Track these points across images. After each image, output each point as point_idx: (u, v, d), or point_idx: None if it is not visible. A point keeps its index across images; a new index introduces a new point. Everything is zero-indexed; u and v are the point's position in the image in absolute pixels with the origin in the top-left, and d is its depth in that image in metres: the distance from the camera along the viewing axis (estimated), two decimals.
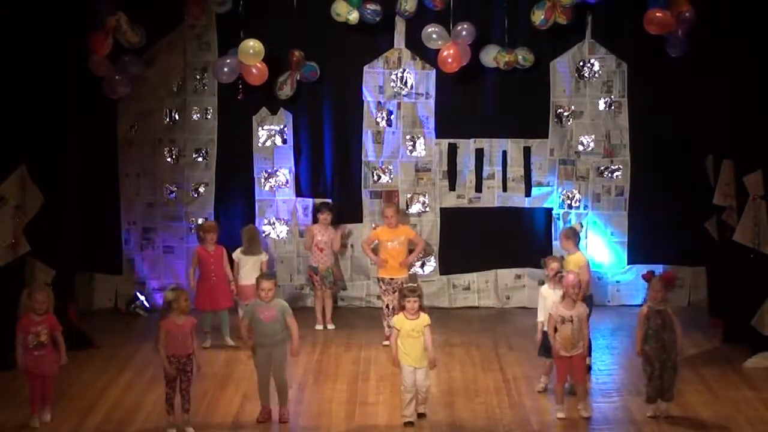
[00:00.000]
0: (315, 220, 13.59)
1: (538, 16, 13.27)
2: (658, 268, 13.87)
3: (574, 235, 11.51)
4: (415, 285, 10.11)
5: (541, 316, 10.37)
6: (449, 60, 13.37)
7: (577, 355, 9.73)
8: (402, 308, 9.70)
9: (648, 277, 9.96)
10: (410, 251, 12.67)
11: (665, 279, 9.83)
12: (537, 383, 10.52)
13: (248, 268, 12.48)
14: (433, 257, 14.20)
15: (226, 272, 12.38)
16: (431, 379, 9.97)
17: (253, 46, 13.11)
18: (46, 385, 9.59)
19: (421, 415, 9.74)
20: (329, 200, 13.92)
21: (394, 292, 11.97)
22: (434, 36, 13.37)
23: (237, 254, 12.63)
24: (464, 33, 13.33)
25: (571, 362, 9.75)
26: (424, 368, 9.70)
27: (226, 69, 13.38)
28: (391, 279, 12.35)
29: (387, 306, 12.31)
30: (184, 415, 9.53)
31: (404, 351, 9.62)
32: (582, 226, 13.65)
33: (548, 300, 10.31)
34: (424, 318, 9.68)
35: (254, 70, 13.26)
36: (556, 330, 9.73)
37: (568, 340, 9.68)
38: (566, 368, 9.81)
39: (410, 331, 9.62)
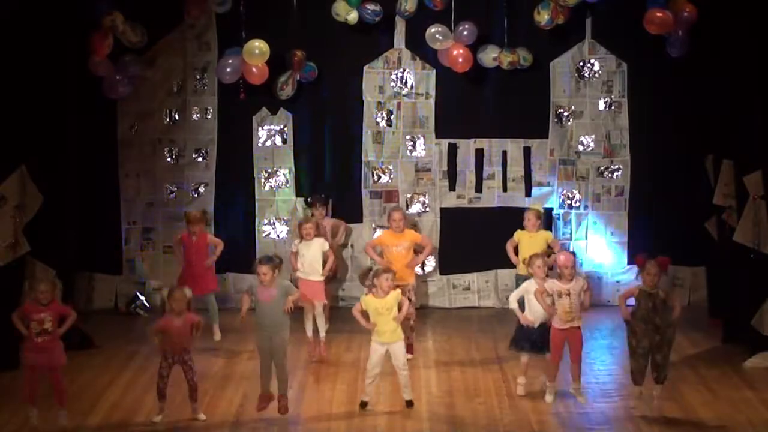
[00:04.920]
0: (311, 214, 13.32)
1: (543, 16, 13.28)
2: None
3: (539, 216, 11.99)
4: (388, 266, 10.08)
5: (515, 303, 10.39)
6: (460, 60, 13.39)
7: (574, 327, 9.82)
8: (371, 287, 9.79)
9: (641, 261, 9.87)
10: (417, 253, 12.30)
11: (660, 262, 9.81)
12: (517, 387, 10.44)
13: (310, 257, 11.82)
14: (433, 257, 14.21)
15: (209, 260, 12.15)
16: (404, 361, 9.91)
17: (258, 46, 13.13)
18: (56, 381, 9.42)
19: (408, 403, 9.81)
20: (322, 194, 13.70)
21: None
22: (438, 36, 13.39)
23: (295, 244, 12.07)
24: (465, 33, 13.35)
25: (568, 335, 9.86)
26: (399, 343, 9.77)
27: (229, 69, 13.40)
28: (396, 286, 11.99)
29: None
30: (192, 404, 9.65)
31: (377, 329, 9.77)
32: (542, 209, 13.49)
33: (533, 297, 10.27)
34: (394, 294, 9.76)
35: (254, 70, 13.27)
36: (553, 303, 9.82)
37: (567, 313, 9.76)
38: (562, 342, 9.88)
39: (378, 309, 9.73)
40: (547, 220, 14.04)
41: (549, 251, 11.64)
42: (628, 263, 14.17)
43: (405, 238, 12.06)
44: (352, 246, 14.12)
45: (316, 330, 11.81)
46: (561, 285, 9.84)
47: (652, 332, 9.62)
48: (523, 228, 12.04)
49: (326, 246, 12.03)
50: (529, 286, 10.40)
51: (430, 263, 14.21)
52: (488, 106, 14.10)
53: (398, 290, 9.86)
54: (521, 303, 10.43)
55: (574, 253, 10.51)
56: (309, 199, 13.52)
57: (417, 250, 12.30)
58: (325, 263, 11.93)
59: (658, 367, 9.70)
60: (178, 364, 9.60)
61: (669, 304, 9.66)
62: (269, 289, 9.64)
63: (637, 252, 13.97)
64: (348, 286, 14.14)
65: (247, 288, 9.94)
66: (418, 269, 13.97)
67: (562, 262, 9.91)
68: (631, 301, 9.84)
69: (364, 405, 9.91)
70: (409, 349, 11.58)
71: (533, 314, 10.30)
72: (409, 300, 11.80)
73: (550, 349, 10.06)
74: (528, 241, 11.83)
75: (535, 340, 10.27)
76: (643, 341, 9.65)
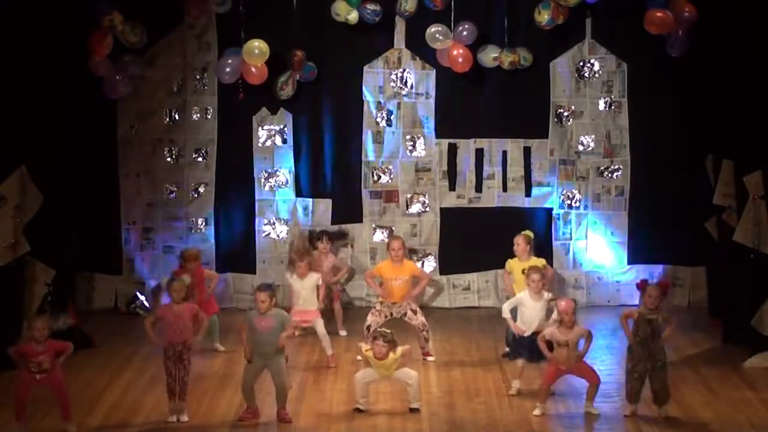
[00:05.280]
0: (314, 248, 13.16)
1: (544, 16, 13.28)
2: (657, 268, 13.95)
3: (529, 242, 11.51)
4: (388, 331, 9.97)
5: (508, 313, 10.41)
6: (459, 60, 13.39)
7: (575, 367, 9.74)
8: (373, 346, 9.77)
9: (642, 285, 9.76)
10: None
11: (662, 286, 9.78)
12: (509, 387, 10.42)
13: (306, 293, 11.63)
14: (433, 257, 14.21)
15: (205, 293, 11.97)
16: (412, 377, 9.86)
17: (258, 46, 13.14)
18: (61, 397, 9.32)
19: (413, 410, 9.77)
20: (327, 229, 13.63)
21: (387, 316, 11.50)
22: (438, 36, 13.39)
23: (288, 278, 11.91)
24: (465, 33, 13.36)
25: (573, 371, 9.78)
26: (400, 370, 9.75)
27: (228, 69, 13.40)
28: (393, 303, 11.62)
29: (368, 327, 11.44)
30: (180, 403, 9.58)
31: (374, 369, 9.79)
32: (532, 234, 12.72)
33: (526, 309, 10.31)
34: (393, 357, 9.71)
35: (254, 70, 13.28)
36: (549, 345, 9.70)
37: (563, 362, 9.70)
38: (557, 375, 9.79)
39: (376, 364, 9.75)
40: (547, 220, 14.08)
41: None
42: (628, 263, 14.17)
43: (404, 271, 11.70)
44: (352, 246, 14.12)
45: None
46: (560, 336, 9.65)
47: (647, 357, 9.58)
48: (512, 255, 11.59)
49: (320, 281, 11.80)
50: (523, 297, 10.43)
51: (430, 263, 14.20)
52: (488, 106, 14.09)
53: (398, 351, 9.74)
54: (513, 313, 10.46)
55: (574, 300, 10.36)
56: (317, 232, 13.38)
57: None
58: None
59: (656, 391, 9.64)
60: (177, 361, 9.55)
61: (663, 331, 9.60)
62: (267, 318, 9.53)
63: (636, 251, 14.14)
64: (348, 286, 14.11)
65: (243, 320, 9.77)
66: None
67: (563, 308, 9.70)
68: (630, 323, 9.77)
69: (359, 411, 9.84)
70: (427, 354, 11.62)
71: (525, 324, 10.31)
72: (414, 312, 11.72)
73: (545, 357, 9.99)
74: (520, 270, 11.29)
75: (529, 348, 10.21)
76: (638, 365, 9.59)
